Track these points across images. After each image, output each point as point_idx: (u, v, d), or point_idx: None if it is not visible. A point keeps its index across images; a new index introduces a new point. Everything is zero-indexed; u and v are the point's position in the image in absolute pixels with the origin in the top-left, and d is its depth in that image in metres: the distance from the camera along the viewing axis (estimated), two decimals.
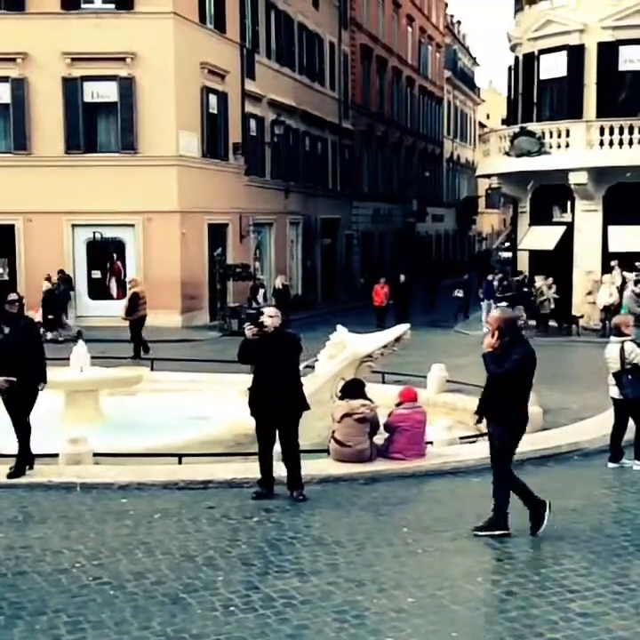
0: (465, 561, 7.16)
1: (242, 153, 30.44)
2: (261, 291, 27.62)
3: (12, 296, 9.74)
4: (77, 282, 26.86)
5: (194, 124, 27.53)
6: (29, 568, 6.91)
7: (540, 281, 25.44)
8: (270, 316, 8.99)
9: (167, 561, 7.11)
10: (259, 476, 9.08)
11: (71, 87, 26.21)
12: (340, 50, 40.78)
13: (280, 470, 9.03)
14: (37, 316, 26.13)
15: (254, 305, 25.71)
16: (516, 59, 29.72)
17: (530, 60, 28.48)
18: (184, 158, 26.74)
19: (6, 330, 9.49)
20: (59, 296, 24.78)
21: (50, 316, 23.79)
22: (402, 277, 29.33)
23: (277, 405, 8.81)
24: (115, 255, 27.21)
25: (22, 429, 9.49)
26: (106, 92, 26.47)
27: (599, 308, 24.22)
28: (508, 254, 39.48)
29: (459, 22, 71.30)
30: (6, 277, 27.05)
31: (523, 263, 28.72)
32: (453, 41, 67.06)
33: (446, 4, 64.03)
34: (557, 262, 26.17)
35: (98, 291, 27.14)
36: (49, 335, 22.73)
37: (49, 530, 7.90)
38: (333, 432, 10.25)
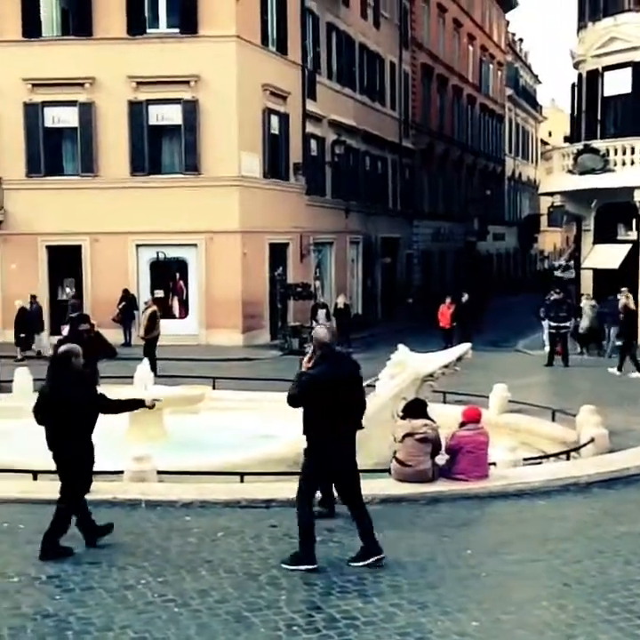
0: (531, 585, 7.05)
1: (302, 173, 30.68)
2: (322, 311, 27.72)
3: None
4: (140, 301, 27.28)
5: (255, 145, 27.85)
6: (96, 584, 7.01)
7: (584, 300, 25.13)
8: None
9: (230, 579, 7.15)
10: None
11: (136, 110, 26.78)
12: (400, 69, 40.90)
13: None
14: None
15: (315, 324, 25.78)
16: (580, 76, 29.44)
17: (594, 77, 28.19)
18: (246, 179, 27.05)
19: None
20: (31, 315, 24.68)
21: (22, 335, 23.87)
22: (464, 296, 28.52)
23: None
24: (177, 274, 27.60)
25: None
26: (170, 115, 26.97)
27: None
28: (566, 273, 39.01)
29: (520, 40, 70.95)
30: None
31: (587, 282, 28.31)
32: (515, 59, 66.74)
33: (508, 22, 63.81)
34: (622, 281, 25.73)
35: (160, 310, 27.48)
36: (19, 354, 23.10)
37: (114, 546, 8.00)
38: (395, 452, 10.22)
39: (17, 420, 14.20)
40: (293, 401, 7.22)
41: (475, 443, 10.13)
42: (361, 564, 7.33)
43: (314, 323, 26.52)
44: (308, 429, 7.20)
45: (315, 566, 7.23)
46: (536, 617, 6.38)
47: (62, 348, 8.01)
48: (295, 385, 7.22)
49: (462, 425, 10.42)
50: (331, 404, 7.02)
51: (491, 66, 57.84)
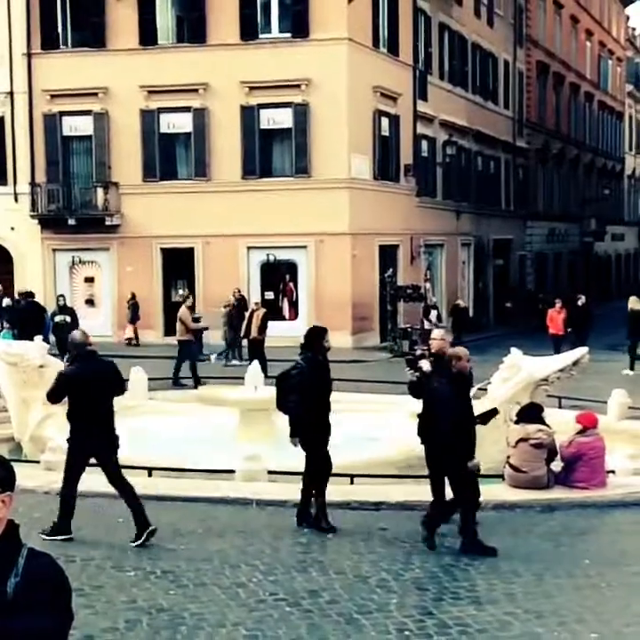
0: None
1: (413, 174, 30.46)
2: (434, 312, 27.47)
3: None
4: (251, 303, 27.62)
5: (365, 147, 27.81)
6: (209, 580, 7.08)
7: None
8: (434, 339, 8.88)
9: (341, 581, 7.11)
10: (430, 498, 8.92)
11: (248, 115, 27.14)
12: (514, 67, 40.15)
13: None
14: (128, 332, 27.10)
15: (426, 326, 25.59)
16: None
17: None
18: (356, 181, 27.05)
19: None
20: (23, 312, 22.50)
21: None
22: (580, 300, 26.11)
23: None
24: (287, 276, 27.82)
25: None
26: (281, 119, 27.21)
27: None
28: None
29: None
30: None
31: None
32: (635, 54, 64.62)
33: (628, 17, 61.86)
34: None
35: (271, 311, 27.80)
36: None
37: (227, 544, 8.08)
38: (508, 457, 9.98)
39: (136, 417, 14.60)
40: (49, 397, 8.27)
41: (594, 449, 9.78)
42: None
43: (426, 323, 26.36)
44: (70, 418, 8.07)
45: (70, 536, 7.90)
46: None
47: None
48: (53, 382, 8.21)
49: (581, 431, 10.06)
50: (86, 397, 7.91)
51: (609, 62, 56.14)
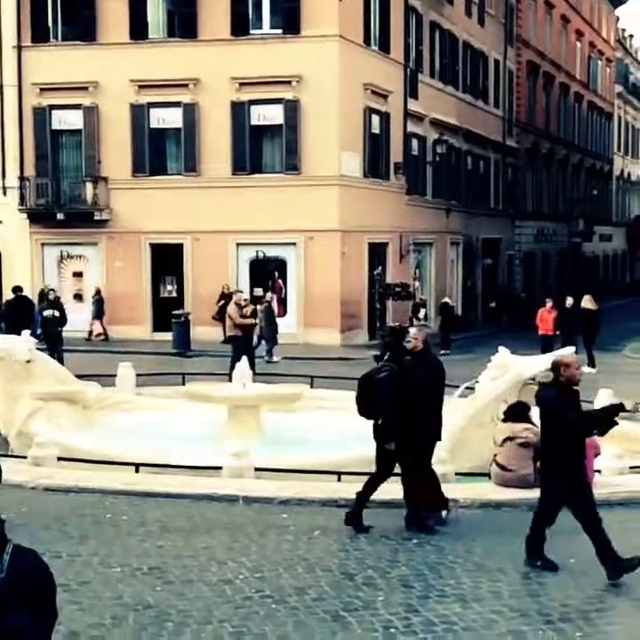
0: (636, 595, 6.79)
1: (403, 172, 30.49)
2: (422, 310, 27.51)
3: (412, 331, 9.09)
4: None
5: (356, 145, 27.81)
6: (196, 577, 7.08)
7: None
8: (413, 339, 8.76)
9: (327, 578, 7.13)
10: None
11: (239, 111, 27.09)
12: (505, 67, 40.23)
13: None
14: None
15: (415, 323, 25.61)
16: None
17: None
18: (346, 178, 27.05)
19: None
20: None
21: None
22: (568, 300, 25.48)
23: (405, 435, 8.40)
24: (276, 273, 27.80)
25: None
26: (271, 115, 27.18)
27: None
28: None
29: (631, 36, 68.88)
30: (174, 294, 28.21)
31: None
32: (625, 55, 64.84)
33: (618, 18, 62.05)
34: None
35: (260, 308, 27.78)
36: None
37: (214, 540, 8.08)
38: (495, 455, 10.01)
39: (122, 413, 14.58)
40: None
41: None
42: None
43: (415, 321, 26.38)
44: None
45: None
46: None
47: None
48: None
49: None
50: None
51: (599, 62, 56.32)
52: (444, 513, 8.81)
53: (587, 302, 24.54)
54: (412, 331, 9.13)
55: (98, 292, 27.57)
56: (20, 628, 2.90)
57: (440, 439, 8.88)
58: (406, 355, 8.64)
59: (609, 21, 59.22)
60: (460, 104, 35.49)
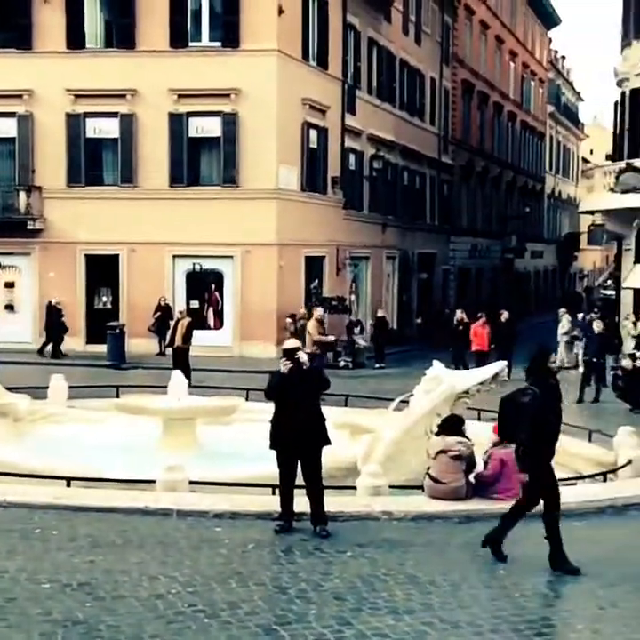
0: (566, 608, 6.93)
1: (340, 187, 30.71)
2: (357, 328, 27.68)
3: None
4: (175, 311, 27.39)
5: (294, 159, 27.93)
6: (127, 592, 6.99)
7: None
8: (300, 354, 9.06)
9: (260, 592, 7.11)
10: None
11: (177, 122, 26.98)
12: (441, 85, 40.85)
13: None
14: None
15: (352, 338, 25.85)
16: (623, 94, 29.21)
17: (637, 96, 27.94)
18: (283, 192, 27.13)
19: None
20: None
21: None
22: (504, 315, 25.15)
23: (299, 440, 8.85)
24: (213, 286, 27.71)
25: None
26: (210, 128, 27.13)
27: None
28: (611, 292, 38.33)
29: (563, 57, 70.58)
30: (109, 306, 27.89)
31: (627, 302, 27.97)
32: (557, 76, 66.39)
33: (550, 40, 63.56)
34: None
35: (196, 320, 27.60)
36: None
37: (147, 555, 7.99)
38: (428, 468, 10.12)
39: (54, 426, 14.34)
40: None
41: (513, 461, 9.94)
42: None
43: (351, 338, 26.60)
44: None
45: None
46: None
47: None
48: None
49: (497, 443, 10.24)
50: None
51: (532, 83, 57.59)
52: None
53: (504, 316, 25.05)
54: (290, 342, 9.42)
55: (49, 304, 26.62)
56: None
57: (330, 443, 9.22)
58: (551, 378, 8.33)
59: (542, 43, 60.62)
60: (397, 120, 35.91)
